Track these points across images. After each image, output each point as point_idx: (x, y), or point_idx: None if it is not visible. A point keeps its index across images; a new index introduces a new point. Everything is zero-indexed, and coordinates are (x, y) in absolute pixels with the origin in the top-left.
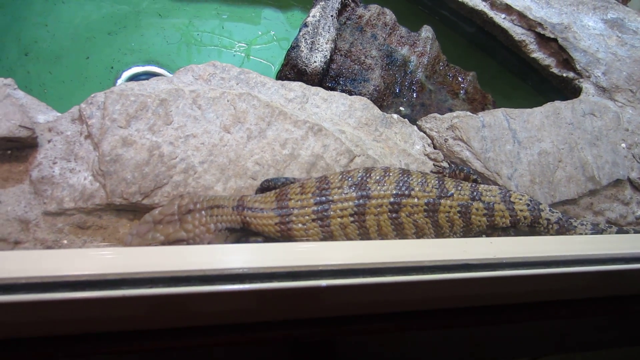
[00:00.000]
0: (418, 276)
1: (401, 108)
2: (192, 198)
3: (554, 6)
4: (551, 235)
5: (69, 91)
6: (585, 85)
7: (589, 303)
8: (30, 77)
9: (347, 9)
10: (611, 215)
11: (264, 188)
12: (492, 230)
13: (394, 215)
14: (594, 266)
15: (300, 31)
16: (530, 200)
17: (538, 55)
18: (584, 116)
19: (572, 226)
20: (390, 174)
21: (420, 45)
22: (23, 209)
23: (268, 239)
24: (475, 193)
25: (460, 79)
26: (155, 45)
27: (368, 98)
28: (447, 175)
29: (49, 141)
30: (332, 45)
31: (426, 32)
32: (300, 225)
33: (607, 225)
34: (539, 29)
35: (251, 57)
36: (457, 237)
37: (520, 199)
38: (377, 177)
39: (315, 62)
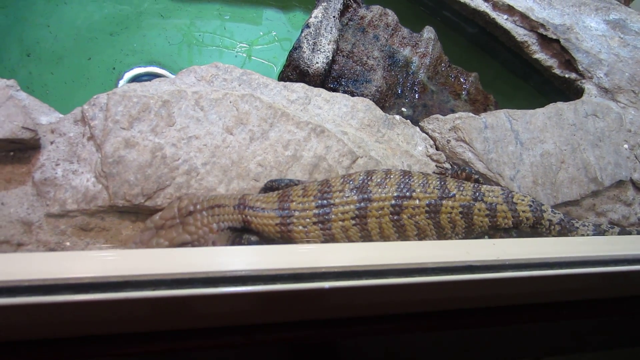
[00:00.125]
0: (421, 278)
1: (403, 109)
2: (191, 199)
3: (556, 7)
4: (553, 236)
5: (71, 92)
6: (588, 86)
7: (591, 304)
8: (32, 78)
9: (349, 10)
10: (614, 216)
11: (268, 188)
12: (495, 231)
13: (395, 217)
14: (596, 267)
15: (302, 32)
16: (533, 201)
17: (540, 56)
18: (586, 117)
19: (574, 227)
20: (392, 176)
21: (423, 46)
22: (26, 211)
23: (263, 239)
24: (477, 194)
25: (462, 80)
26: (157, 46)
27: (370, 99)
28: (449, 176)
29: (52, 143)
30: (334, 46)
31: (428, 33)
32: (300, 227)
33: (609, 226)
34: (541, 30)
35: (253, 57)
36: (459, 238)
37: (523, 200)
38: (378, 180)
39: (317, 63)
